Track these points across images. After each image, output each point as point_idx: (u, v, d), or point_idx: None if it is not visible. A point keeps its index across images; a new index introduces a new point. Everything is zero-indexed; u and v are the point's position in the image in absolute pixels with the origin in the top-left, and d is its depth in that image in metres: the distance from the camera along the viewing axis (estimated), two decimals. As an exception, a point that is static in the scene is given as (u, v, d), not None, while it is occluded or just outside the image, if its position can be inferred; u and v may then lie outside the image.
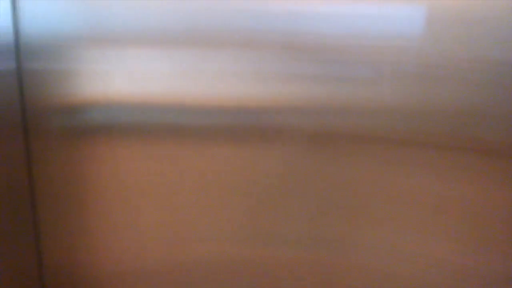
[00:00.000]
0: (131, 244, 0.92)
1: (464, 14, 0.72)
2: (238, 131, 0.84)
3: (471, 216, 0.77)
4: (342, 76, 0.77)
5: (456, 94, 0.73)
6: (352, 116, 0.78)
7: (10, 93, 0.81)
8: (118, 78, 0.83)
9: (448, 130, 0.75)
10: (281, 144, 0.83)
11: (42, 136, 0.88)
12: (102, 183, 0.90)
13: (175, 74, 0.82)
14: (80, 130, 0.86)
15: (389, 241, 0.82)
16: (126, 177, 0.89)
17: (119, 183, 0.90)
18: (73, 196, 0.91)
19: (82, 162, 0.89)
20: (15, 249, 0.87)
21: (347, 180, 0.82)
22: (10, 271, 0.87)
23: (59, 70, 0.84)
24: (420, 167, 0.78)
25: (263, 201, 0.87)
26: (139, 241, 0.92)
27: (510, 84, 0.71)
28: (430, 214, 0.79)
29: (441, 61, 0.74)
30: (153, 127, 0.85)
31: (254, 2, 0.78)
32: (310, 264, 0.88)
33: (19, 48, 0.83)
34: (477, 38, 0.72)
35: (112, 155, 0.88)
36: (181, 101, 0.83)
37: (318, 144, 0.81)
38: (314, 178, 0.83)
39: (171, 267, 0.92)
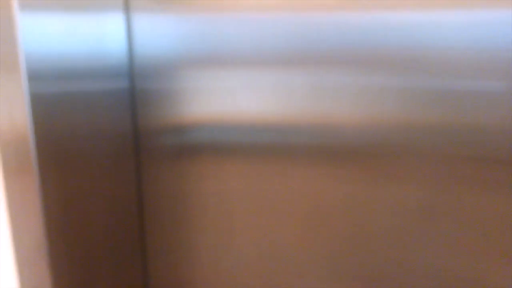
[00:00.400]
0: (232, 264, 0.92)
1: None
2: (345, 152, 0.82)
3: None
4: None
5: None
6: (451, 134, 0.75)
7: (123, 112, 0.85)
8: (226, 98, 0.84)
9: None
10: (392, 169, 0.79)
11: (152, 155, 0.90)
12: (208, 201, 0.90)
13: (281, 93, 0.82)
14: (189, 149, 0.88)
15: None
16: (231, 197, 0.89)
17: (225, 202, 0.90)
18: (180, 214, 0.92)
19: (190, 180, 0.90)
20: (122, 266, 0.88)
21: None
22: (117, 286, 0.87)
23: (170, 90, 0.86)
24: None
25: (369, 233, 0.82)
26: (240, 261, 0.91)
27: None
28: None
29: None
30: (258, 147, 0.86)
31: (352, 19, 0.76)
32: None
33: (133, 68, 0.86)
34: None
35: (219, 174, 0.89)
36: (286, 121, 0.84)
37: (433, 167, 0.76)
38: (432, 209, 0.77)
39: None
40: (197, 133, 0.87)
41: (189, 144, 0.88)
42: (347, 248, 0.85)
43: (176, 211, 0.92)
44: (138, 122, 0.89)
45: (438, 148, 0.78)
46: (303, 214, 0.87)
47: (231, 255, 0.92)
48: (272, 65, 0.81)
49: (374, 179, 0.81)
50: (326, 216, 0.86)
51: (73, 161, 0.72)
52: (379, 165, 0.81)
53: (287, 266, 0.90)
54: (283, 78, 0.81)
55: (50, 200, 0.67)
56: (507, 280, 0.80)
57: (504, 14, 0.72)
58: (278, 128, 0.84)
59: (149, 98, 0.87)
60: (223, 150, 0.87)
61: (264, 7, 0.80)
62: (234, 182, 0.88)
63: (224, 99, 0.84)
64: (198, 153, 0.89)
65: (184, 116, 0.88)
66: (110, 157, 0.81)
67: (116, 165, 0.84)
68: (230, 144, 0.87)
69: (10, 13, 0.58)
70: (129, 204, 0.88)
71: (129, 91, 0.86)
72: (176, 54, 0.85)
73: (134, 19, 0.84)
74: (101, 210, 0.80)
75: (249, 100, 0.84)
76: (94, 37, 0.74)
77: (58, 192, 0.69)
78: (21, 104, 0.62)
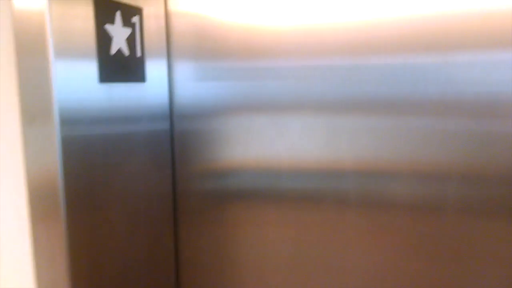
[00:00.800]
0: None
1: None
2: (391, 200, 0.78)
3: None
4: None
5: None
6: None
7: (161, 155, 0.84)
8: (263, 143, 0.84)
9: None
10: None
11: (189, 200, 0.90)
12: (242, 246, 0.88)
13: (316, 140, 0.80)
14: (225, 195, 0.88)
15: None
16: (268, 244, 0.86)
17: (261, 250, 0.87)
18: (216, 262, 0.90)
19: (226, 227, 0.89)
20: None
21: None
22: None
23: (207, 135, 0.87)
24: None
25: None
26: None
27: None
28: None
29: None
30: (292, 193, 0.84)
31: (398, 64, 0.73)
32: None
33: (172, 113, 0.87)
34: None
35: (256, 220, 0.87)
36: (324, 166, 0.81)
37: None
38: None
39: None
40: (234, 178, 0.86)
41: (226, 190, 0.87)
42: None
43: (212, 259, 0.89)
44: (176, 166, 0.88)
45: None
46: (340, 264, 0.81)
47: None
48: (307, 111, 0.80)
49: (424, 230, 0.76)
50: (364, 265, 0.80)
51: (107, 207, 0.70)
52: (420, 212, 0.75)
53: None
54: (319, 123, 0.79)
55: (77, 249, 0.65)
56: None
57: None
58: (315, 174, 0.81)
59: (186, 142, 0.87)
60: (261, 196, 0.85)
61: (296, 54, 0.79)
62: (271, 229, 0.85)
63: (261, 144, 0.83)
64: (232, 198, 0.87)
65: (219, 162, 0.87)
66: (146, 201, 0.79)
67: (152, 206, 0.82)
68: (268, 190, 0.84)
69: (45, 59, 0.59)
70: (165, 254, 0.85)
71: (168, 134, 0.86)
72: (215, 99, 0.86)
73: (175, 66, 0.85)
74: (135, 259, 0.77)
75: (285, 145, 0.82)
76: (134, 85, 0.74)
77: (87, 240, 0.67)
78: (52, 148, 0.61)
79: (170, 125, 0.85)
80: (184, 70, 0.85)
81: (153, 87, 0.79)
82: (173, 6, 0.84)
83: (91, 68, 0.64)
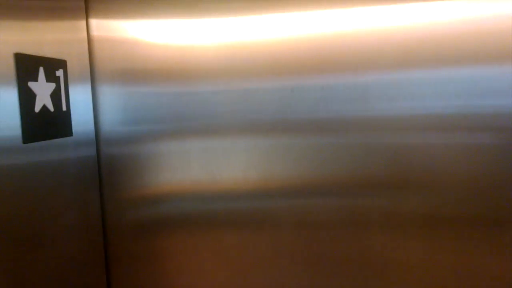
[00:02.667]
0: None
1: None
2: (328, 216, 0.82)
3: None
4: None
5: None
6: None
7: (91, 180, 0.81)
8: (193, 169, 0.84)
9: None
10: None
11: (118, 229, 0.87)
12: (179, 276, 0.87)
13: (249, 162, 0.83)
14: (157, 222, 0.86)
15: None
16: (203, 269, 0.87)
17: (197, 276, 0.87)
18: (146, 284, 0.88)
19: (158, 256, 0.88)
20: None
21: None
22: None
23: (136, 161, 0.85)
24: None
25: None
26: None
27: None
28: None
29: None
30: (226, 216, 0.85)
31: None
32: None
33: (99, 139, 0.84)
34: None
35: (188, 246, 0.87)
36: (255, 189, 0.83)
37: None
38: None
39: None
40: (166, 204, 0.86)
41: (157, 217, 0.86)
42: None
43: (144, 286, 0.88)
44: (104, 197, 0.86)
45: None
46: (280, 286, 0.84)
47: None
48: (238, 133, 0.82)
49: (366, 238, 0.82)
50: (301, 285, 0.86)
51: (29, 242, 0.66)
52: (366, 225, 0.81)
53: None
54: (250, 144, 0.82)
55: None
56: None
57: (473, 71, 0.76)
58: (250, 196, 0.83)
59: (114, 167, 0.85)
60: (194, 222, 0.85)
61: (225, 76, 0.81)
62: (208, 255, 0.86)
63: (192, 169, 0.84)
64: (167, 226, 0.87)
65: (151, 188, 0.87)
66: (75, 230, 0.75)
67: (82, 242, 0.79)
68: (201, 215, 0.85)
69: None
70: (97, 280, 0.83)
71: (95, 163, 0.83)
72: (142, 123, 0.85)
73: (99, 91, 0.83)
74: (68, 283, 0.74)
75: (217, 168, 0.83)
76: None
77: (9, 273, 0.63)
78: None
79: (96, 153, 0.83)
80: (111, 97, 0.84)
81: (79, 115, 0.76)
82: (96, 33, 0.83)
83: (14, 129, 0.60)
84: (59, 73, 0.67)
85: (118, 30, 0.83)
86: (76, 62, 0.76)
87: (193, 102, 0.82)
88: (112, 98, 0.84)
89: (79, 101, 0.77)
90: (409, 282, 0.81)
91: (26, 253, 0.64)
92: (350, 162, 0.80)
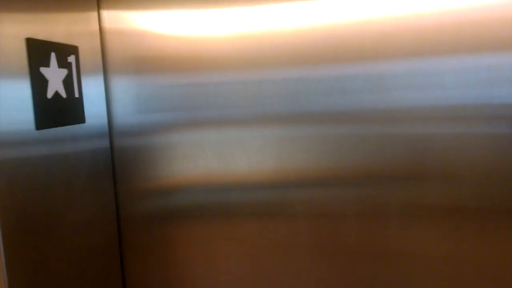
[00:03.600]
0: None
1: None
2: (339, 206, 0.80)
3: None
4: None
5: None
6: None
7: (104, 171, 0.80)
8: (207, 160, 0.83)
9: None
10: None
11: (132, 219, 0.87)
12: (192, 266, 0.86)
13: (264, 154, 0.81)
14: (171, 213, 0.85)
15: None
16: (217, 260, 0.86)
17: (211, 266, 0.86)
18: (163, 284, 0.88)
19: (172, 246, 0.87)
20: None
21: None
22: None
23: (149, 152, 0.85)
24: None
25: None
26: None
27: None
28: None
29: None
30: (240, 207, 0.84)
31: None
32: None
33: (112, 129, 0.84)
34: None
35: (201, 236, 0.86)
36: (269, 180, 0.82)
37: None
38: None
39: None
40: (179, 195, 0.85)
41: (171, 208, 0.85)
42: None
43: (159, 276, 0.87)
44: (117, 189, 0.85)
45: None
46: (293, 276, 0.83)
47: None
48: (253, 124, 0.81)
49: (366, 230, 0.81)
50: (317, 276, 0.83)
51: (45, 232, 0.65)
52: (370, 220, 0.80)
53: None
54: (265, 136, 0.80)
55: (16, 271, 0.60)
56: None
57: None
58: (264, 187, 0.82)
59: (128, 161, 0.84)
60: (207, 212, 0.84)
61: (230, 68, 0.80)
62: (221, 246, 0.84)
63: (207, 160, 0.83)
64: (180, 217, 0.86)
65: (165, 179, 0.86)
66: (89, 220, 0.74)
67: (97, 232, 0.78)
68: (216, 206, 0.84)
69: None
70: (111, 270, 0.82)
71: (108, 154, 0.82)
72: (155, 114, 0.84)
73: (112, 82, 0.83)
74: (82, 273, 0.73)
75: (232, 159, 0.82)
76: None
77: (26, 277, 0.62)
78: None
79: (109, 145, 0.82)
80: (123, 88, 0.83)
81: (92, 110, 0.75)
82: (108, 24, 0.82)
83: (27, 115, 0.60)
84: (71, 59, 0.67)
85: (129, 22, 0.82)
86: (88, 53, 0.76)
87: (206, 93, 0.81)
88: (125, 89, 0.83)
89: (92, 91, 0.76)
90: (428, 273, 0.79)
91: (40, 243, 0.63)
92: (367, 152, 0.78)
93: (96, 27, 0.80)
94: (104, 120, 0.80)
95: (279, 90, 0.79)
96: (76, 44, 0.69)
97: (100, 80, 0.79)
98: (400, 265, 0.80)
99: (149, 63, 0.82)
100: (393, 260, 0.80)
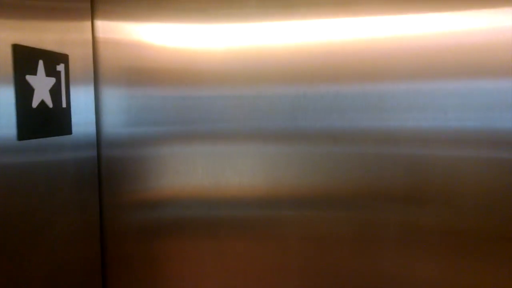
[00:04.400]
0: None
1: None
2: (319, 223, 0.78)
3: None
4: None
5: None
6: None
7: (90, 183, 0.78)
8: (195, 174, 0.81)
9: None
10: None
11: (117, 232, 0.83)
12: (178, 282, 0.83)
13: (253, 168, 0.79)
14: (155, 226, 0.82)
15: None
16: (203, 275, 0.83)
17: (197, 282, 0.82)
18: None
19: (156, 259, 0.83)
20: None
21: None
22: None
23: (137, 163, 0.82)
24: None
25: None
26: None
27: None
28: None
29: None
30: (228, 222, 0.81)
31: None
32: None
33: (100, 140, 0.81)
34: None
35: (188, 251, 0.82)
36: (257, 195, 0.79)
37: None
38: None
39: None
40: (167, 209, 0.82)
41: (158, 222, 0.82)
42: None
43: None
44: (102, 200, 0.82)
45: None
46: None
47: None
48: (243, 139, 0.79)
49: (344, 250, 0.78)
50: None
51: (24, 245, 0.62)
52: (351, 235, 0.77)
53: None
54: (255, 151, 0.78)
55: None
56: None
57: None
58: (251, 202, 0.79)
59: (114, 169, 0.82)
60: (195, 229, 0.81)
61: (225, 82, 0.78)
62: (208, 261, 0.81)
63: (195, 173, 0.81)
64: (167, 232, 0.83)
65: (152, 191, 0.83)
66: (71, 234, 0.71)
67: (79, 245, 0.74)
68: (203, 222, 0.81)
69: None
70: (93, 286, 0.78)
71: (94, 161, 0.79)
72: (145, 126, 0.82)
73: (103, 92, 0.81)
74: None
75: (220, 174, 0.80)
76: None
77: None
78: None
79: (97, 155, 0.80)
80: (114, 98, 0.81)
81: (80, 114, 0.73)
82: (101, 34, 0.81)
83: (9, 124, 0.57)
84: (60, 67, 0.64)
85: (123, 32, 0.81)
86: (80, 62, 0.74)
87: (199, 106, 0.80)
88: (116, 99, 0.81)
89: (81, 101, 0.74)
90: None
91: (20, 255, 0.60)
92: (362, 173, 0.76)
93: (89, 36, 0.78)
94: (93, 130, 0.78)
95: (274, 106, 0.78)
96: (67, 53, 0.66)
97: (90, 90, 0.77)
98: None
99: (142, 74, 0.81)
100: (386, 284, 0.77)
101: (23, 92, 0.58)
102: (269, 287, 0.80)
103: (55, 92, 0.64)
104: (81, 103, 0.74)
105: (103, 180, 0.82)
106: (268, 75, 0.77)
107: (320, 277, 0.79)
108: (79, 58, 0.73)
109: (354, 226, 0.77)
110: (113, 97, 0.81)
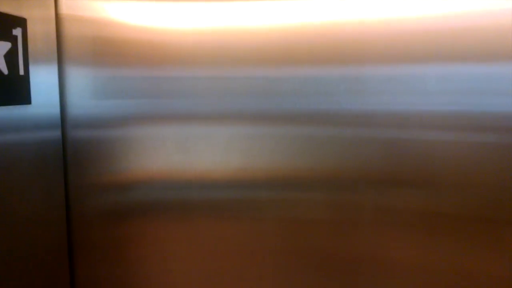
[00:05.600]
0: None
1: None
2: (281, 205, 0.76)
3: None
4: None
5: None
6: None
7: (54, 164, 0.73)
8: (166, 156, 0.78)
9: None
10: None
11: (83, 215, 0.79)
12: (149, 267, 0.80)
13: (223, 150, 0.77)
14: (124, 209, 0.79)
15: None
16: (175, 259, 0.80)
17: (168, 266, 0.80)
18: (116, 282, 0.81)
19: (126, 244, 0.80)
20: None
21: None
22: None
23: (104, 144, 0.78)
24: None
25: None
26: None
27: None
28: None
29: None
30: (200, 205, 0.78)
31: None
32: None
33: (64, 120, 0.77)
34: None
35: (159, 235, 0.79)
36: (229, 178, 0.77)
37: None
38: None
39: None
40: (137, 191, 0.79)
41: (128, 205, 0.79)
42: None
43: (111, 279, 0.80)
44: (69, 182, 0.78)
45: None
46: (255, 277, 0.77)
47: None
48: (213, 121, 0.76)
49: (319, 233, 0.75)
50: (280, 277, 0.77)
51: None
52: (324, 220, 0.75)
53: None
54: (225, 133, 0.76)
55: None
56: None
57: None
58: (224, 185, 0.77)
59: (82, 154, 0.78)
60: (166, 211, 0.78)
61: (197, 63, 0.76)
62: (180, 245, 0.78)
63: (165, 155, 0.78)
64: (137, 214, 0.79)
65: (122, 174, 0.79)
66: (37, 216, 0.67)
67: (43, 230, 0.70)
68: (174, 204, 0.78)
69: None
70: (59, 271, 0.74)
71: (60, 146, 0.76)
72: (113, 107, 0.78)
73: (67, 72, 0.77)
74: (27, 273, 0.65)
75: (191, 156, 0.77)
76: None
77: None
78: None
79: (62, 136, 0.76)
80: (80, 77, 0.77)
81: (43, 97, 0.69)
82: (65, 10, 0.76)
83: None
84: (17, 32, 0.60)
85: (89, 9, 0.78)
86: (42, 40, 0.70)
87: (168, 87, 0.76)
88: (81, 79, 0.77)
89: (43, 78, 0.70)
90: (401, 281, 0.74)
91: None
92: (339, 155, 0.74)
93: (52, 13, 0.75)
94: (56, 109, 0.74)
95: (248, 87, 0.75)
96: (25, 17, 0.63)
97: (53, 66, 0.73)
98: (372, 272, 0.75)
99: (109, 53, 0.77)
100: (364, 267, 0.75)
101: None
102: (242, 270, 0.77)
103: (10, 57, 0.60)
104: (43, 80, 0.70)
105: (68, 161, 0.78)
106: (241, 55, 0.75)
107: (295, 258, 0.77)
108: (42, 36, 0.70)
109: (331, 208, 0.75)
110: (78, 77, 0.77)
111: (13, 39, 0.60)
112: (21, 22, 0.61)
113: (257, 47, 0.74)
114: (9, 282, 0.62)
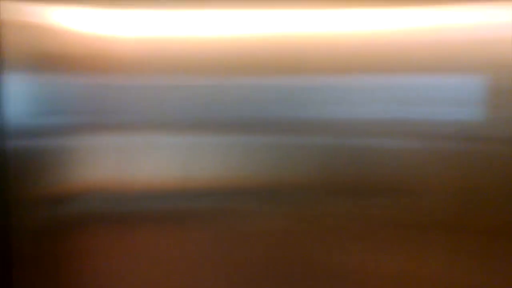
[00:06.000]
0: None
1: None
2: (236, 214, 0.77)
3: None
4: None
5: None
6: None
7: None
8: (111, 166, 0.77)
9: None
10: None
11: (25, 229, 0.78)
12: (87, 279, 0.80)
13: (172, 161, 0.76)
14: (66, 221, 0.78)
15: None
16: (121, 273, 0.79)
17: (105, 280, 0.79)
18: None
19: (68, 256, 0.79)
20: None
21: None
22: None
23: (45, 155, 0.77)
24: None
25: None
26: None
27: None
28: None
29: None
30: (136, 215, 0.77)
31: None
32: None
33: (4, 131, 0.76)
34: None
35: (98, 248, 0.79)
36: (177, 187, 0.77)
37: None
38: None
39: None
40: (78, 203, 0.78)
41: (69, 217, 0.78)
42: None
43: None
44: (10, 195, 0.78)
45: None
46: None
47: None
48: (163, 130, 0.76)
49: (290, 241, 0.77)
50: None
51: None
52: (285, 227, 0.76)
53: None
54: (172, 142, 0.76)
55: None
56: None
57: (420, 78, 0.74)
58: (172, 194, 0.77)
59: (21, 161, 0.77)
60: (107, 223, 0.78)
61: (140, 72, 0.75)
62: (126, 258, 0.78)
63: (110, 165, 0.77)
64: (79, 226, 0.79)
65: (64, 185, 0.78)
66: None
67: None
68: (115, 215, 0.78)
69: None
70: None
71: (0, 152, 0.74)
72: (54, 116, 0.77)
73: (8, 80, 0.76)
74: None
75: (137, 165, 0.77)
76: None
77: None
78: None
79: (1, 147, 0.76)
80: (20, 86, 0.76)
81: None
82: (5, 15, 0.75)
83: None
84: None
85: (31, 15, 0.76)
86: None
87: (110, 96, 0.76)
88: (23, 87, 0.76)
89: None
90: None
91: None
92: (278, 162, 0.76)
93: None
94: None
95: (191, 96, 0.76)
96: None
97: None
98: (323, 283, 0.77)
99: (51, 61, 0.76)
100: (327, 281, 0.77)
101: None
102: (187, 282, 0.79)
103: None
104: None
105: (9, 173, 0.76)
106: (184, 65, 0.75)
107: (241, 272, 0.79)
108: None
109: (295, 220, 0.77)
110: (19, 84, 0.76)
111: None
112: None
113: (202, 56, 0.75)
114: None
